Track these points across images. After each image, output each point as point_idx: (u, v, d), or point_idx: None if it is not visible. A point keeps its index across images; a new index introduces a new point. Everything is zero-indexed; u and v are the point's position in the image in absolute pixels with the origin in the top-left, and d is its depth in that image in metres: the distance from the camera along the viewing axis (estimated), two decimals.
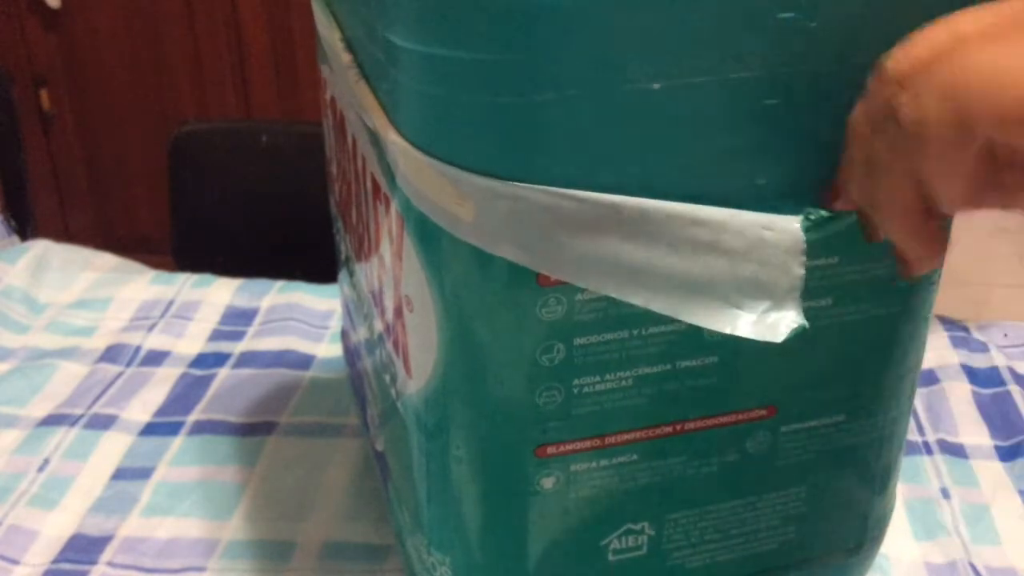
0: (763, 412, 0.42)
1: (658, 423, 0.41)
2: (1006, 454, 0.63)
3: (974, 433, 0.65)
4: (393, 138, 0.37)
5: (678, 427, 0.41)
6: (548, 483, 0.41)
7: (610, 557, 0.43)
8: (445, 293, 0.38)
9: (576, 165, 0.35)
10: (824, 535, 0.47)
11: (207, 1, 1.80)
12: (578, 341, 0.38)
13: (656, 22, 0.33)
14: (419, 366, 0.40)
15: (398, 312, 0.41)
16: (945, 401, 0.67)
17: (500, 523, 0.42)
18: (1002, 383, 0.68)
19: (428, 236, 0.37)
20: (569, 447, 0.40)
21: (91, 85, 1.88)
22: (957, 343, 0.72)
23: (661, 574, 0.45)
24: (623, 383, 0.39)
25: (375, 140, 0.40)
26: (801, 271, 0.37)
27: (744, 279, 0.37)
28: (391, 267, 0.41)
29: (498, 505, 0.41)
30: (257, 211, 1.21)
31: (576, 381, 0.39)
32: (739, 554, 0.45)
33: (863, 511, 0.47)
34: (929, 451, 0.63)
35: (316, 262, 0.81)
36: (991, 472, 0.62)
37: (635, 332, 0.39)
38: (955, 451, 0.63)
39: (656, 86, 0.34)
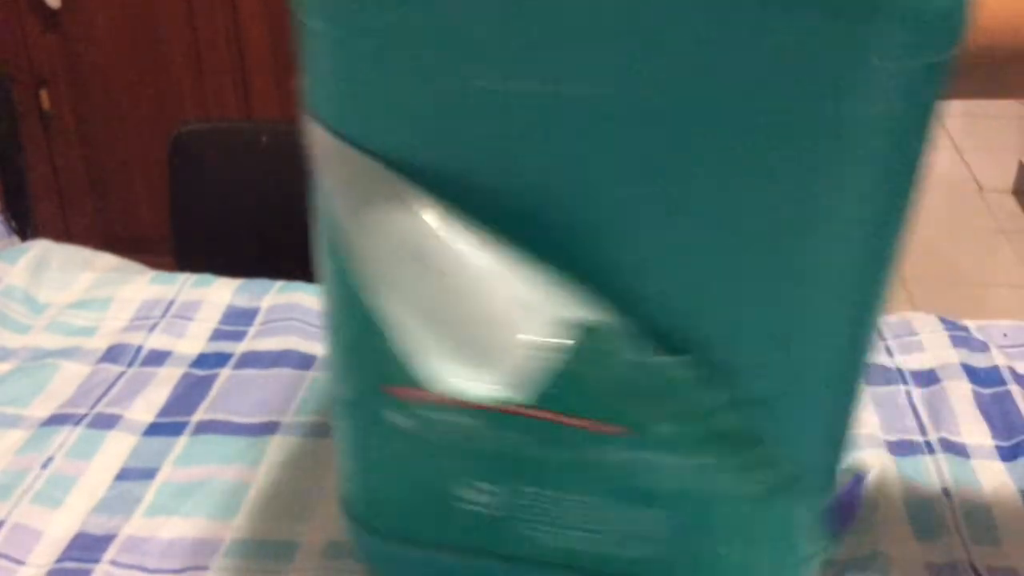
0: (615, 429, 0.41)
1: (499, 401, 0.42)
2: (1007, 454, 0.63)
3: (975, 433, 0.65)
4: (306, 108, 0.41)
5: (521, 409, 0.41)
6: (397, 419, 0.43)
7: (465, 507, 0.45)
8: (327, 241, 0.42)
9: (403, 139, 0.39)
10: (696, 569, 0.45)
11: (207, 1, 1.80)
12: None
13: (490, 22, 0.35)
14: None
15: None
16: (946, 400, 0.67)
17: (361, 455, 0.47)
18: (1002, 383, 0.69)
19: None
20: (413, 394, 0.42)
21: (91, 85, 1.88)
22: (957, 343, 0.73)
23: (516, 539, 0.45)
24: None
25: None
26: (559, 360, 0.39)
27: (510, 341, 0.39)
28: None
29: (356, 436, 0.46)
30: (257, 211, 1.21)
31: None
32: (605, 551, 0.45)
33: (748, 562, 0.45)
34: (931, 450, 0.63)
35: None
36: (992, 472, 0.62)
37: None
38: (957, 450, 0.63)
39: (482, 84, 0.36)
